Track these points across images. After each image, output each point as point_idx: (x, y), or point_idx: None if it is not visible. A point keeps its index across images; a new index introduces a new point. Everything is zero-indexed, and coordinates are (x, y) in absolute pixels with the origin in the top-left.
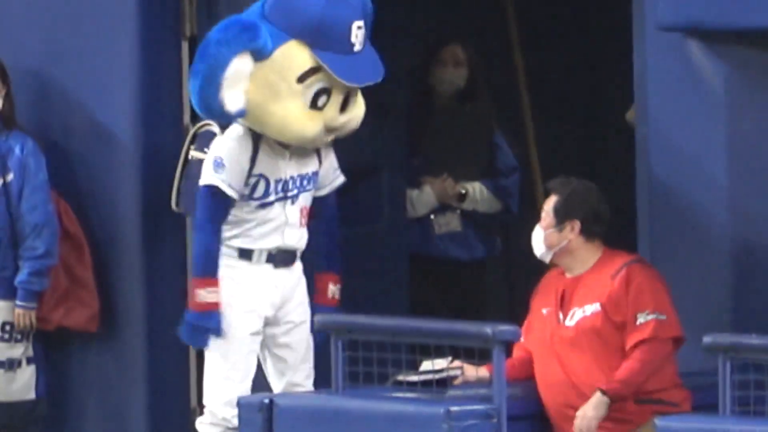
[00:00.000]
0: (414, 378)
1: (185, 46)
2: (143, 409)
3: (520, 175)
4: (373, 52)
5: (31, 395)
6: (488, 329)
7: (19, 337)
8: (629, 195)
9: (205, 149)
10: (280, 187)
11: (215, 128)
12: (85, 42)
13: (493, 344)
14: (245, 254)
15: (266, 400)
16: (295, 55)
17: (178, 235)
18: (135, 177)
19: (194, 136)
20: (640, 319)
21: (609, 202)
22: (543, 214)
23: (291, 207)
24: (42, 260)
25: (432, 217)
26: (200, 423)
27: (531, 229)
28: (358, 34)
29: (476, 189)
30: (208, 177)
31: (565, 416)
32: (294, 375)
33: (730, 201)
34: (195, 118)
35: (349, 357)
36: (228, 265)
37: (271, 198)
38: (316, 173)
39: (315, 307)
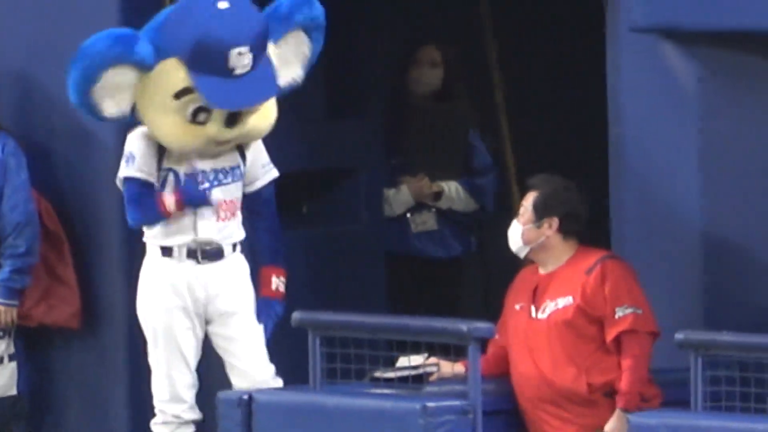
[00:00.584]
0: (390, 374)
1: None
2: (124, 404)
3: (496, 175)
4: (262, 75)
5: (13, 391)
6: (463, 326)
7: (0, 334)
8: (603, 194)
9: None
10: (191, 180)
11: None
12: (67, 43)
13: (468, 341)
14: (166, 252)
15: (245, 396)
16: (171, 73)
17: None
18: (115, 176)
19: None
20: (619, 313)
21: (584, 197)
22: (521, 210)
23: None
24: (23, 258)
25: (409, 215)
26: (154, 424)
27: (506, 227)
28: (238, 59)
29: (452, 188)
30: (122, 171)
31: (538, 410)
32: (255, 373)
33: (702, 200)
34: None
35: (327, 353)
36: (151, 264)
37: None
38: (235, 167)
39: (259, 300)
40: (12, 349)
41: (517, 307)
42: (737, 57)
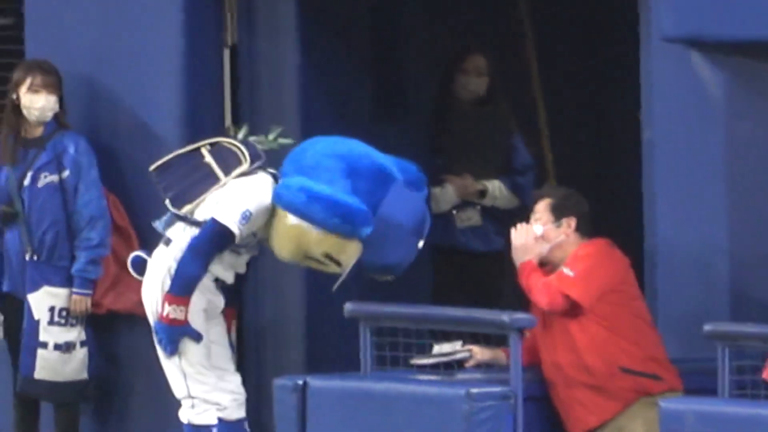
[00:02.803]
0: (425, 361)
1: (226, 54)
2: None
3: (535, 174)
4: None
5: (84, 375)
6: (505, 317)
7: (74, 321)
8: (637, 195)
9: (219, 161)
10: (257, 245)
11: (240, 154)
12: (132, 49)
13: (509, 331)
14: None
15: (300, 382)
16: (351, 252)
17: None
18: None
19: (216, 143)
20: (563, 270)
21: (615, 202)
22: (536, 215)
23: (245, 257)
24: (96, 250)
25: (454, 212)
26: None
27: None
28: None
29: (495, 186)
30: (231, 222)
31: (564, 395)
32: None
33: (728, 198)
34: (236, 121)
35: (376, 342)
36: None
37: (244, 251)
38: None
39: None
40: (83, 336)
41: None
42: (760, 65)
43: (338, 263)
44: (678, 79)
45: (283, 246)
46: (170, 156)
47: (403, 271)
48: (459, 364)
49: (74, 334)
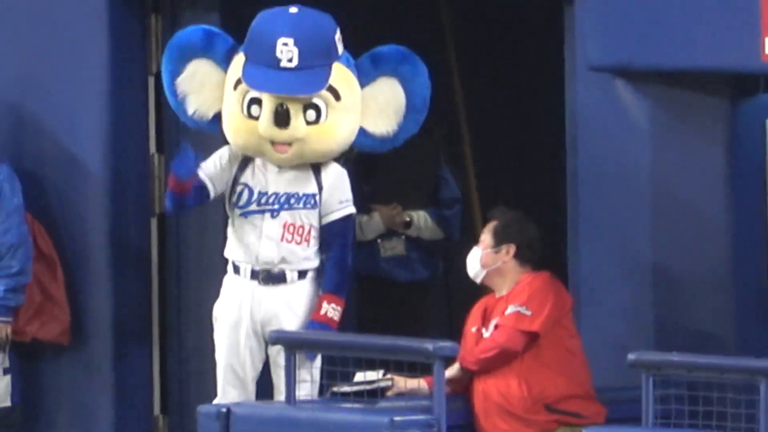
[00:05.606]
0: (346, 389)
1: (151, 81)
2: (109, 416)
3: (461, 207)
4: (308, 75)
5: (7, 402)
6: (429, 345)
7: None
8: (562, 225)
9: None
10: (263, 199)
11: None
12: (57, 75)
13: (433, 359)
14: (236, 269)
15: (223, 409)
16: (235, 65)
17: (143, 254)
18: (103, 201)
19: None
20: (508, 310)
21: (541, 228)
22: (482, 237)
23: (271, 221)
24: (17, 278)
25: (379, 241)
26: None
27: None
28: (283, 50)
29: (421, 217)
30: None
31: (488, 424)
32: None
33: (653, 230)
34: (160, 147)
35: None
36: (226, 279)
37: (252, 208)
38: (310, 195)
39: (308, 323)
40: (7, 363)
41: (473, 329)
42: (684, 93)
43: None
44: (603, 106)
45: (226, 129)
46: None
47: (273, 36)
48: (381, 393)
49: None
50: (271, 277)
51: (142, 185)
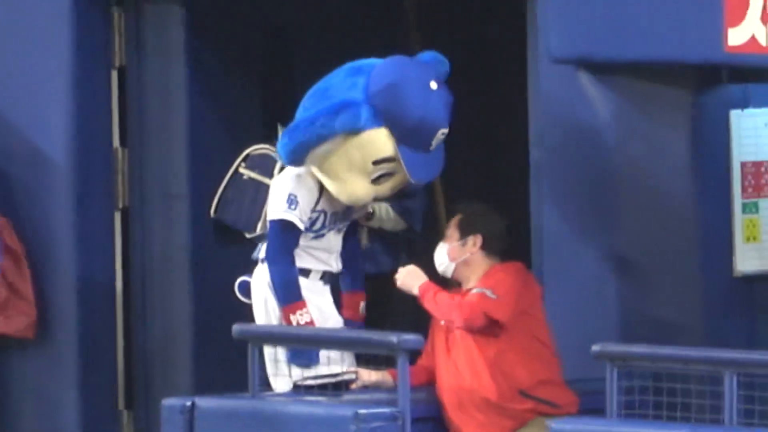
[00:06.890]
0: (310, 382)
1: (114, 75)
2: (75, 410)
3: (424, 197)
4: (440, 150)
5: None
6: (393, 338)
7: None
8: (525, 216)
9: (257, 170)
10: (334, 219)
11: (272, 153)
12: (20, 70)
13: (397, 352)
14: (304, 273)
15: (188, 403)
16: (382, 143)
17: (108, 248)
18: (68, 196)
19: (247, 155)
20: (473, 291)
21: (506, 223)
22: (448, 231)
23: (337, 236)
24: None
25: None
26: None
27: (434, 247)
28: (439, 138)
29: (383, 209)
30: (281, 212)
31: (460, 416)
32: None
33: (617, 219)
34: (123, 141)
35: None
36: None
37: (326, 231)
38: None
39: (347, 322)
40: None
41: (442, 322)
42: (648, 85)
43: (389, 159)
44: (566, 99)
45: (341, 187)
46: (218, 194)
47: (436, 127)
48: (345, 386)
49: None
50: (330, 279)
51: (106, 179)
